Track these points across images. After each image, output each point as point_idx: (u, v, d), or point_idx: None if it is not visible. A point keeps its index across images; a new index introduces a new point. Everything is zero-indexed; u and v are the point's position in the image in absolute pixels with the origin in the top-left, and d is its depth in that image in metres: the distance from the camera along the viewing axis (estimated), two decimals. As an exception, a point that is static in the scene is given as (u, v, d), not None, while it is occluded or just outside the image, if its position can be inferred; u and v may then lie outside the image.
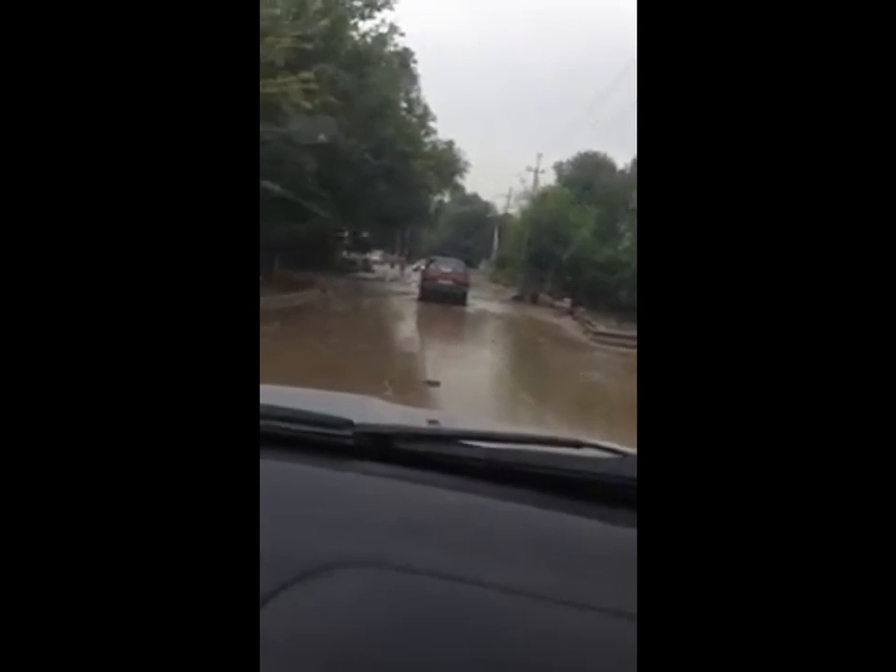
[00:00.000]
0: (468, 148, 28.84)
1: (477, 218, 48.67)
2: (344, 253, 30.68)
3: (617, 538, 0.67)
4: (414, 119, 21.56)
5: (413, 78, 22.18)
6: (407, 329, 13.20)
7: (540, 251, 22.64)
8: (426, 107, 23.02)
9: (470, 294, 19.90)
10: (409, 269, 33.96)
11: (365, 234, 23.62)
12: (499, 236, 37.10)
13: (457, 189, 28.04)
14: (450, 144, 24.96)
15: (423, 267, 21.55)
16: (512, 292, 24.72)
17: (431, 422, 1.03)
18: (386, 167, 18.02)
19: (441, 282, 18.18)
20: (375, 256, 43.95)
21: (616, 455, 0.85)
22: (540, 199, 25.67)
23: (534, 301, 22.32)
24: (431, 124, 23.21)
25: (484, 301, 20.90)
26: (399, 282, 27.18)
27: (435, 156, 22.00)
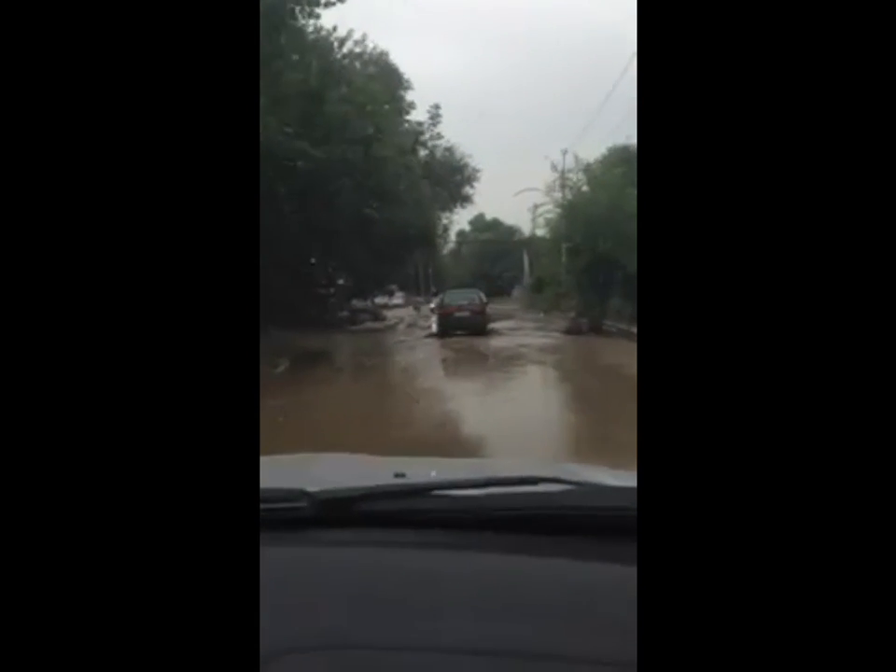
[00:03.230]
0: (479, 164, 23.23)
1: (503, 244, 43.86)
2: (354, 301, 25.56)
3: (589, 573, 0.69)
4: (376, 87, 14.37)
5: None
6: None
7: (595, 261, 16.74)
8: (396, 73, 16.80)
9: (504, 327, 18.65)
10: (426, 309, 28.40)
11: (346, 273, 17.78)
12: (530, 258, 31.49)
13: (469, 201, 22.20)
14: (435, 109, 17.87)
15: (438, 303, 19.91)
16: (559, 319, 18.63)
17: (398, 475, 0.97)
18: (339, 158, 11.70)
19: (458, 314, 17.68)
20: (397, 299, 38.42)
21: (575, 487, 0.86)
22: (581, 194, 19.45)
23: (596, 329, 16.12)
24: (407, 95, 16.81)
25: (523, 336, 15.82)
26: (417, 327, 21.76)
27: (412, 133, 15.60)
